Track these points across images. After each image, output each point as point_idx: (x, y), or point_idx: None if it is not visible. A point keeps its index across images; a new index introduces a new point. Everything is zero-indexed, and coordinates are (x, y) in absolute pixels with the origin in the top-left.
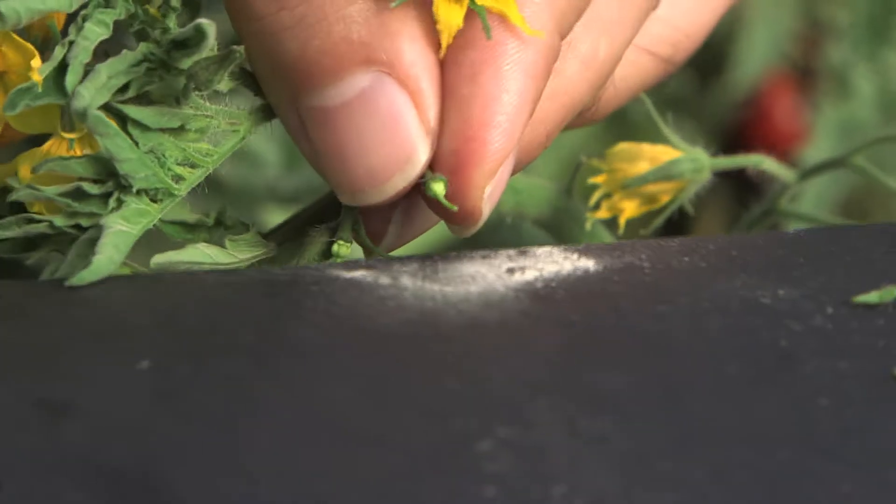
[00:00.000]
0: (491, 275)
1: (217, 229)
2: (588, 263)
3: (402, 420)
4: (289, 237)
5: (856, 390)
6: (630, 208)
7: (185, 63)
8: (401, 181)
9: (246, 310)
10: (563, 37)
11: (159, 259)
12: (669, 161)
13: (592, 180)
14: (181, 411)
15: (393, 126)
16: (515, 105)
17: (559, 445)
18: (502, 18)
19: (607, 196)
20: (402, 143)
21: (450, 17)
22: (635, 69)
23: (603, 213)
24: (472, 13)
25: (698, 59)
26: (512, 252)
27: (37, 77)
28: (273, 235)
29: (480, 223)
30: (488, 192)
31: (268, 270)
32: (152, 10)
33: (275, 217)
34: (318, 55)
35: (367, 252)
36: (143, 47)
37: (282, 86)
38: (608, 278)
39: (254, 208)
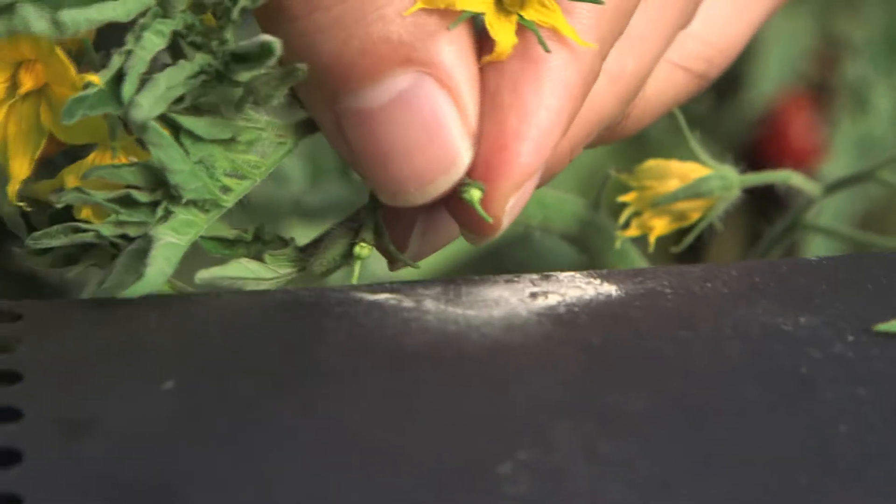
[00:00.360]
0: (514, 299)
1: (255, 244)
2: (610, 289)
3: (424, 441)
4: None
5: (875, 417)
6: (660, 226)
7: (244, 76)
8: (444, 183)
9: (270, 332)
10: (604, 58)
11: (204, 275)
12: (699, 178)
13: (622, 199)
14: (203, 432)
15: (436, 127)
16: (552, 122)
17: (579, 469)
18: (550, 33)
19: (637, 214)
20: (446, 144)
21: (506, 35)
22: (669, 85)
23: (633, 232)
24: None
25: (714, 81)
26: (535, 276)
27: (96, 79)
28: (309, 250)
29: (498, 234)
30: (511, 203)
31: (293, 292)
32: (210, 21)
33: (299, 233)
34: (356, 56)
35: (391, 260)
36: (199, 59)
37: (317, 87)
38: (630, 303)
39: (279, 224)
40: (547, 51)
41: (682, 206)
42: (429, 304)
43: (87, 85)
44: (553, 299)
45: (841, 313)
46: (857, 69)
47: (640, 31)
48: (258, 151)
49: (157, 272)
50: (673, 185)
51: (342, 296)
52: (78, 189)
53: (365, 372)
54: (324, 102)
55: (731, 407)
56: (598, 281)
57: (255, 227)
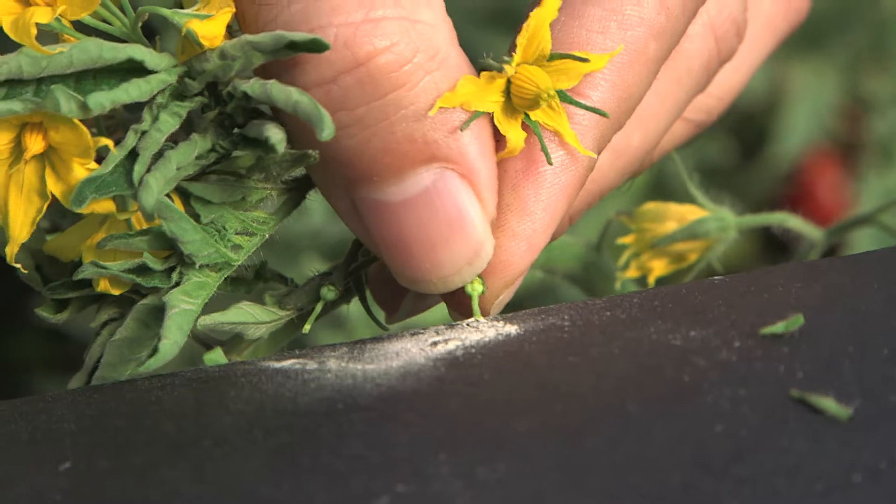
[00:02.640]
0: (415, 349)
1: (256, 282)
2: (511, 329)
3: (304, 485)
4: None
5: (752, 414)
6: (659, 267)
7: (251, 158)
8: (469, 274)
9: (172, 406)
10: (599, 153)
11: (206, 321)
12: (696, 220)
13: (622, 240)
14: (96, 501)
15: (460, 221)
16: (547, 222)
17: (456, 494)
18: (552, 134)
19: (636, 255)
20: (471, 237)
21: (516, 134)
22: (670, 136)
23: (633, 273)
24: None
25: (741, 133)
26: (441, 327)
27: (111, 143)
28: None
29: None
30: (501, 298)
31: (201, 369)
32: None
33: (318, 267)
34: (379, 154)
35: (374, 320)
36: (211, 138)
37: (335, 176)
38: (527, 339)
39: (297, 258)
40: (550, 163)
41: (681, 247)
42: (331, 364)
43: (103, 149)
44: (452, 345)
45: (733, 323)
46: (884, 125)
47: (649, 109)
48: (266, 206)
49: (171, 345)
50: (671, 226)
51: (249, 367)
52: (94, 262)
53: (259, 430)
54: (341, 189)
55: (610, 421)
56: (500, 323)
57: (257, 266)
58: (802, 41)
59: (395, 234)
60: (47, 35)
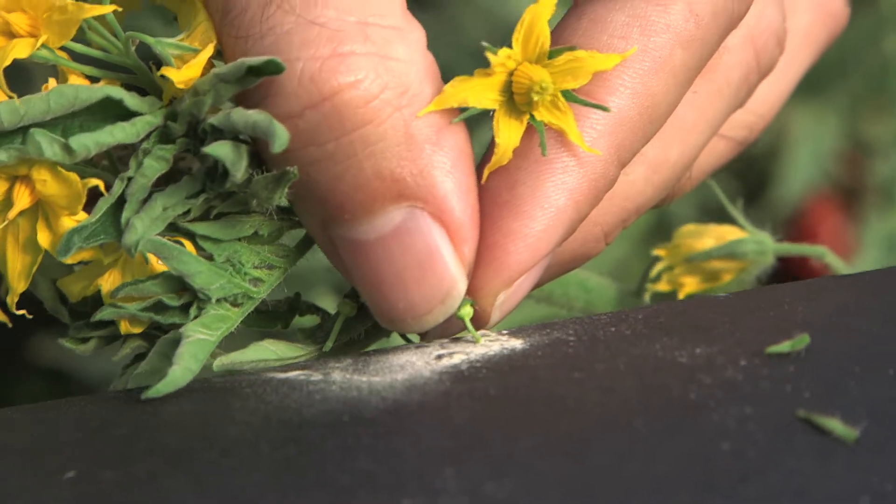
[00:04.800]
0: (420, 362)
1: (291, 316)
2: (516, 343)
3: (310, 499)
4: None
5: (759, 433)
6: (691, 283)
7: (234, 187)
8: (441, 314)
9: (176, 416)
10: (622, 165)
11: (224, 361)
12: (735, 240)
13: (656, 251)
14: None
15: (430, 262)
16: (548, 224)
17: None
18: (559, 136)
19: (669, 268)
20: (441, 278)
21: (510, 136)
22: (709, 154)
23: (663, 286)
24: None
25: (744, 176)
26: (445, 340)
27: (101, 183)
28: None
29: (488, 327)
30: (501, 300)
31: (207, 380)
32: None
33: (331, 301)
34: (349, 190)
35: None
36: (200, 177)
37: (311, 213)
38: (532, 354)
39: (310, 291)
40: (544, 154)
41: (715, 265)
42: (336, 376)
43: (93, 188)
44: (457, 358)
45: (738, 341)
46: (886, 168)
47: (687, 122)
48: (287, 239)
49: (182, 370)
50: (708, 244)
51: (254, 377)
52: (112, 304)
53: (264, 442)
54: (319, 225)
55: (616, 437)
56: (505, 337)
57: (290, 298)
58: (803, 85)
59: (370, 273)
60: (48, 69)
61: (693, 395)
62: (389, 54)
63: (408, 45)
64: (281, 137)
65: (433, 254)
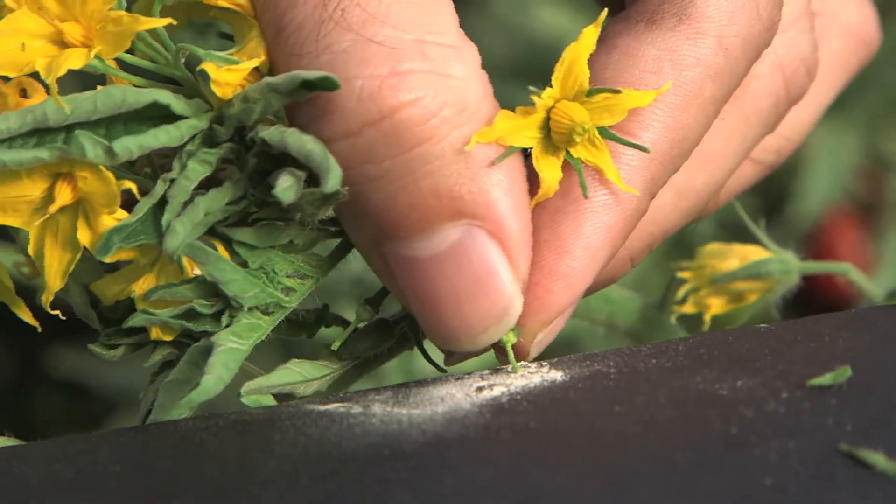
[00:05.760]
0: (460, 394)
1: (317, 327)
2: (556, 375)
3: None
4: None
5: (800, 468)
6: (717, 305)
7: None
8: (497, 332)
9: (216, 448)
10: (652, 196)
11: (251, 386)
12: (759, 260)
13: (681, 274)
14: None
15: (486, 280)
16: (587, 262)
17: None
18: (595, 172)
19: (695, 291)
20: (498, 296)
21: (552, 173)
22: (738, 178)
23: (689, 308)
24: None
25: (763, 192)
26: (486, 371)
27: (134, 186)
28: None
29: (524, 362)
30: (539, 338)
31: (248, 411)
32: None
33: (354, 312)
34: (406, 209)
35: (432, 363)
36: (243, 184)
37: (365, 230)
38: (573, 386)
39: (336, 304)
40: (586, 196)
41: (740, 286)
42: (376, 408)
43: (127, 191)
44: (497, 391)
45: (779, 373)
46: None
47: (714, 149)
48: (319, 248)
49: (216, 380)
50: (733, 264)
51: (294, 410)
52: (144, 311)
53: (302, 478)
54: (371, 242)
55: (657, 471)
56: (546, 369)
57: (318, 309)
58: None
59: (424, 291)
60: (93, 76)
61: (734, 429)
62: (447, 72)
63: (465, 64)
64: (335, 176)
65: (490, 272)
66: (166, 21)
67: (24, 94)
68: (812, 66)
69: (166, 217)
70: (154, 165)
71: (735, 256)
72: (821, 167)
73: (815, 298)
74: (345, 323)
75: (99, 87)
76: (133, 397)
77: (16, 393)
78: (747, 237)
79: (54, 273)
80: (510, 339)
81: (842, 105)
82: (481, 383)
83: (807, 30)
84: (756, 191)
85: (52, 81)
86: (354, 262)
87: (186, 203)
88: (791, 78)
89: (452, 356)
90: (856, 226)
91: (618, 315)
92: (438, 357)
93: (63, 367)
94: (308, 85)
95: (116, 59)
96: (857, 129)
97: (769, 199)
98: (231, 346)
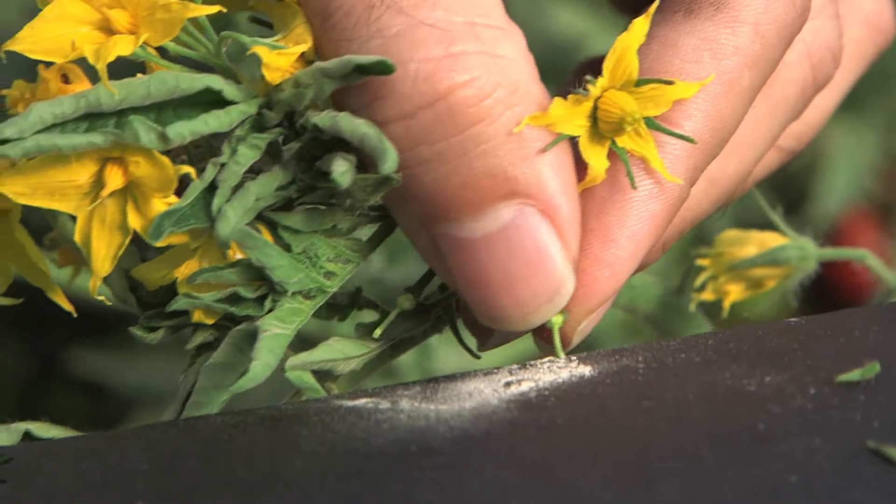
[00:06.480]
0: (488, 390)
1: (351, 310)
2: (585, 370)
3: None
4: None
5: (827, 465)
6: (735, 292)
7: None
8: (549, 312)
9: (244, 447)
10: (692, 185)
11: (295, 362)
12: (777, 246)
13: (700, 262)
14: None
15: (539, 259)
16: (632, 251)
17: None
18: (640, 162)
19: (713, 278)
20: (551, 275)
21: (599, 161)
22: (762, 165)
23: (708, 295)
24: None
25: (782, 191)
26: (514, 366)
27: (192, 171)
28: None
29: (567, 349)
30: (583, 325)
31: (276, 407)
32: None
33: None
34: (458, 189)
35: (465, 348)
36: (292, 169)
37: (413, 212)
38: (601, 381)
39: None
40: (633, 186)
41: (759, 272)
42: (404, 404)
43: (185, 177)
44: (526, 386)
45: (808, 368)
46: None
47: (745, 137)
48: (359, 232)
49: (263, 366)
50: (751, 251)
51: (322, 405)
52: (187, 294)
53: (329, 475)
54: (419, 223)
55: (685, 468)
56: (574, 364)
57: (351, 292)
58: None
59: (474, 271)
60: (134, 64)
61: (762, 426)
62: (499, 53)
63: (514, 45)
64: (392, 158)
65: (543, 251)
66: (216, 8)
67: (66, 80)
68: (838, 53)
69: (217, 202)
70: (191, 154)
71: (753, 243)
72: (839, 167)
73: (832, 287)
74: (377, 306)
75: (140, 75)
76: (152, 397)
77: (35, 392)
78: (763, 223)
79: (102, 258)
80: (557, 322)
81: (861, 105)
82: (509, 378)
83: (833, 17)
84: (775, 189)
85: (101, 67)
86: (372, 264)
87: (236, 188)
88: (818, 65)
89: (487, 342)
90: (874, 225)
91: (639, 300)
92: (471, 342)
93: (83, 367)
94: (361, 69)
95: (157, 48)
96: (876, 130)
97: (788, 199)
98: (276, 331)
